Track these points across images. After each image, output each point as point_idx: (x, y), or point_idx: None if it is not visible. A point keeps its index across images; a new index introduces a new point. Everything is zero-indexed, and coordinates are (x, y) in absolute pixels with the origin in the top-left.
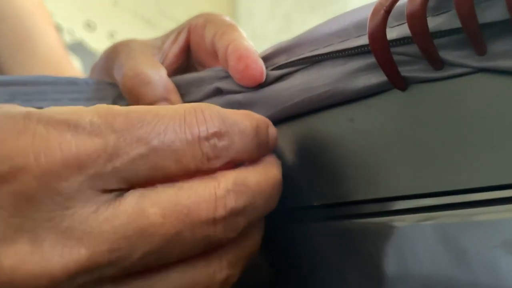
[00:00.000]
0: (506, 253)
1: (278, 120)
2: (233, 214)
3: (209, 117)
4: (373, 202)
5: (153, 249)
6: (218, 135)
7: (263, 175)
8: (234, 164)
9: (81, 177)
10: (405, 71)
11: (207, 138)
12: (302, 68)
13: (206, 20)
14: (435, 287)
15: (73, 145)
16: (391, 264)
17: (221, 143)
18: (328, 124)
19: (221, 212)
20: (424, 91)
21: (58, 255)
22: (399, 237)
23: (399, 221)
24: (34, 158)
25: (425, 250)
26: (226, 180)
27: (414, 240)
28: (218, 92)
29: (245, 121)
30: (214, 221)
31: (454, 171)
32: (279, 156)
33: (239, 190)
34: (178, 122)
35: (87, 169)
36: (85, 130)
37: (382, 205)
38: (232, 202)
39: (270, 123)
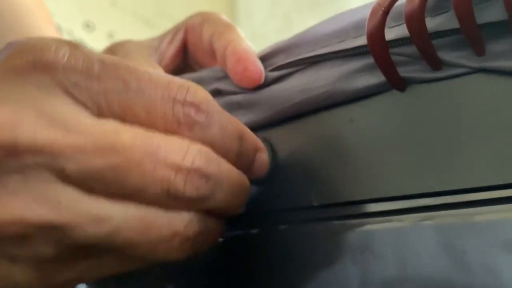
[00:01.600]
0: (505, 253)
1: (278, 121)
2: (198, 173)
3: (194, 91)
4: (373, 202)
5: (113, 165)
6: (195, 107)
7: (236, 172)
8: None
9: (59, 76)
10: (404, 71)
11: (183, 104)
12: (301, 69)
13: (203, 19)
14: (434, 287)
15: (66, 53)
16: (390, 264)
17: (196, 116)
18: (327, 125)
19: (187, 163)
20: (423, 91)
21: (32, 123)
22: (398, 237)
23: (398, 221)
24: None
25: (424, 250)
26: (201, 146)
27: (414, 240)
28: (217, 93)
29: (231, 120)
30: (178, 168)
31: (453, 171)
32: (279, 156)
33: (210, 159)
34: (161, 82)
35: (68, 74)
36: (83, 48)
37: (382, 205)
38: (200, 162)
39: (265, 150)
